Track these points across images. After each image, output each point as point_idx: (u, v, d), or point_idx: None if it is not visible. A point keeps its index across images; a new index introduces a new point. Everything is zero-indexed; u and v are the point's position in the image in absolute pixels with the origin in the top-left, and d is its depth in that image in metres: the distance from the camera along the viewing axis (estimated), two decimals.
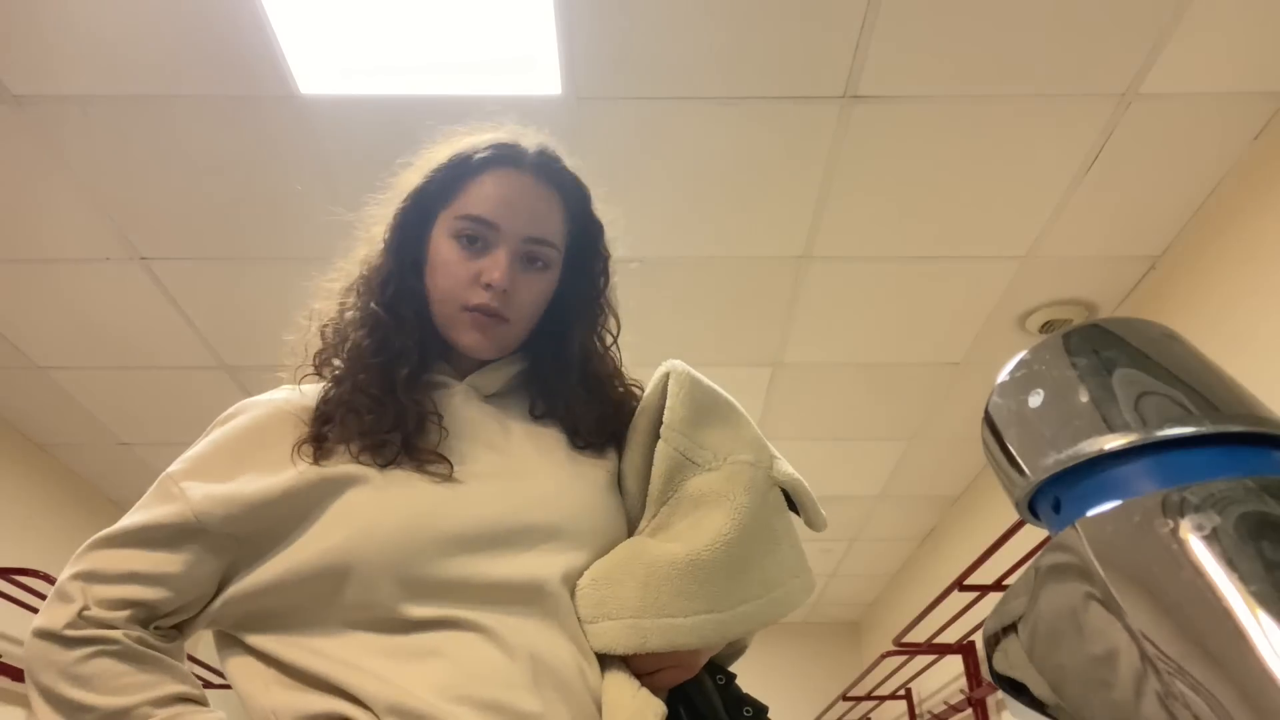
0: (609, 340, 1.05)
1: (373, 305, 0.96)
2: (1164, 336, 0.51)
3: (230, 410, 0.97)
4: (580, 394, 1.01)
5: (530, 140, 1.00)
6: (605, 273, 1.04)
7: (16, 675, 3.27)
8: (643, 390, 1.04)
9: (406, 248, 0.98)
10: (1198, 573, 0.38)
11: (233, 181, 2.35)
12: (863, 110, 2.17)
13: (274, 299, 2.73)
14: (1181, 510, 0.41)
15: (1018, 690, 0.48)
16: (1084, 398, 0.48)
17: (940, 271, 2.70)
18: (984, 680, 3.56)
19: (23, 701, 3.44)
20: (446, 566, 0.84)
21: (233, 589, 0.86)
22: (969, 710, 3.68)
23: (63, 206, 2.41)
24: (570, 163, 1.01)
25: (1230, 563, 0.38)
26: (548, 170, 0.99)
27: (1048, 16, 1.94)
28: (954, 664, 3.83)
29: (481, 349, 0.96)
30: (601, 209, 1.04)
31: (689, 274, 2.71)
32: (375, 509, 0.86)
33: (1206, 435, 0.44)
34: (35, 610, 3.26)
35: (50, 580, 3.19)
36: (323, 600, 0.84)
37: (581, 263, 1.02)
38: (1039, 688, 0.46)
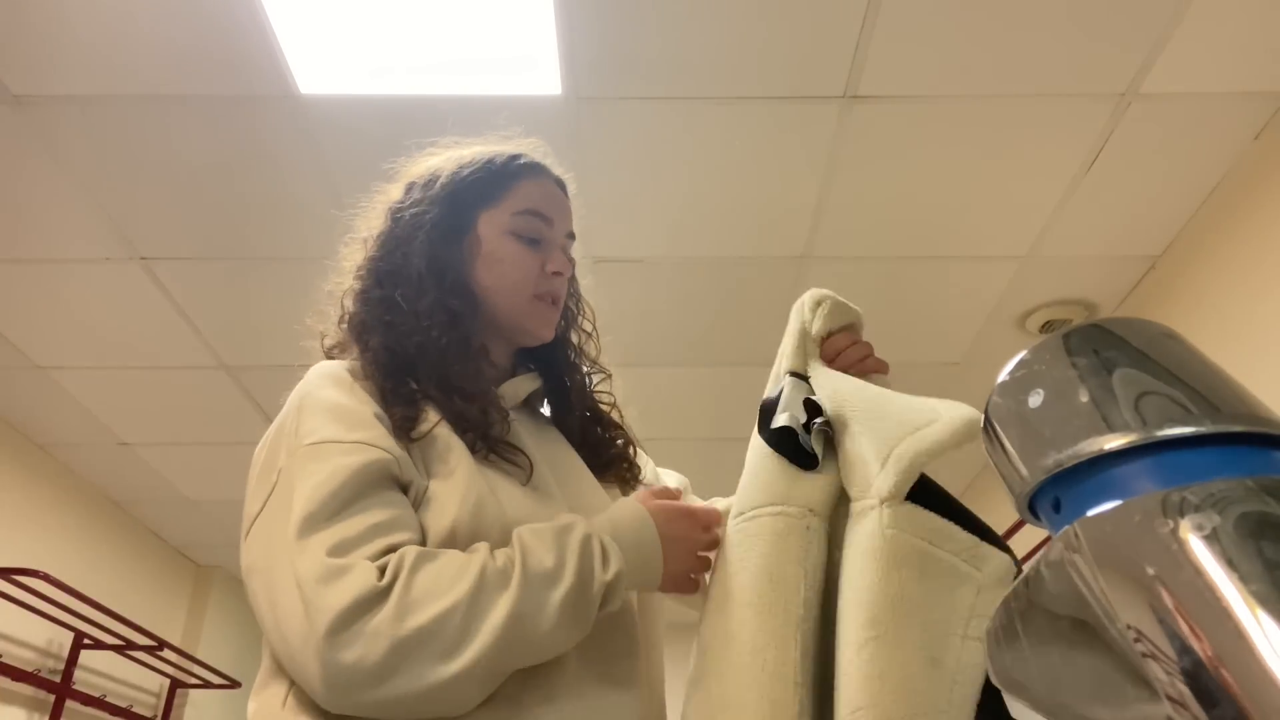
0: (589, 330, 1.15)
1: (428, 301, 0.98)
2: (1164, 336, 0.51)
3: (301, 395, 0.94)
4: (588, 423, 1.10)
5: (545, 158, 1.11)
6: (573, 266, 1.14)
7: (17, 675, 3.27)
8: (613, 406, 1.14)
9: (450, 238, 1.02)
10: (1198, 573, 0.38)
11: (233, 181, 2.35)
12: (863, 110, 2.17)
13: (274, 299, 2.73)
14: (1181, 510, 0.41)
15: (1018, 690, 0.48)
16: (1084, 398, 0.48)
17: (940, 271, 2.70)
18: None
19: (23, 701, 3.44)
20: None
21: None
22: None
23: (63, 206, 2.41)
24: (569, 166, 1.15)
25: (1230, 562, 0.38)
26: (561, 183, 1.12)
27: (1048, 16, 1.94)
28: None
29: (545, 334, 1.05)
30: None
31: (689, 274, 2.71)
32: (477, 487, 0.87)
33: (1206, 435, 0.44)
34: (35, 610, 3.25)
35: (50, 580, 3.20)
36: None
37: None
38: (1039, 688, 0.46)
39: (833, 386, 0.95)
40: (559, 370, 1.11)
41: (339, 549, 0.76)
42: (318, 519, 0.78)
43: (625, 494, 1.06)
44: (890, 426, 0.87)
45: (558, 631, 0.78)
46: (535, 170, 1.08)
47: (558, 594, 0.78)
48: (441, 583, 0.75)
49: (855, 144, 2.26)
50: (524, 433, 0.98)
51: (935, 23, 1.96)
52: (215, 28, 1.95)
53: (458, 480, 0.86)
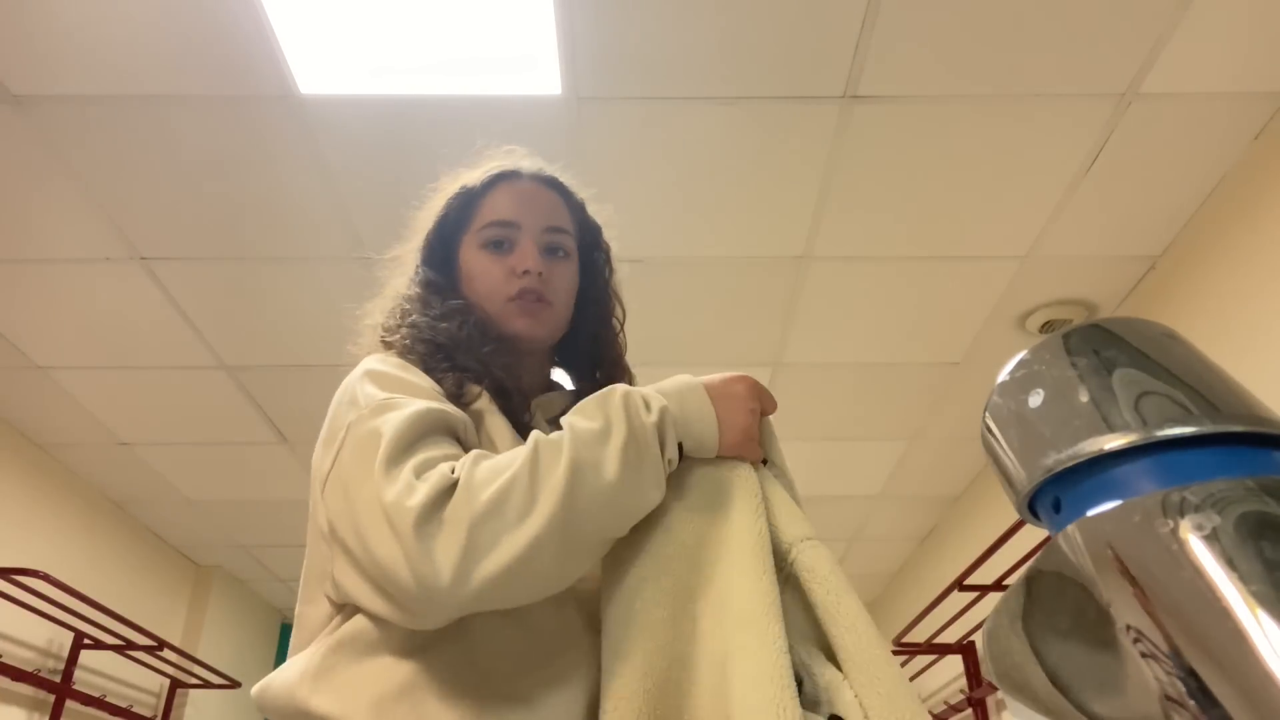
0: (617, 327, 1.15)
1: (440, 308, 1.04)
2: (1164, 336, 0.51)
3: (364, 369, 0.95)
4: None
5: (525, 161, 1.13)
6: (609, 264, 1.16)
7: (17, 675, 3.27)
8: None
9: (438, 271, 1.08)
10: (1198, 573, 0.38)
11: (233, 181, 2.35)
12: (863, 110, 2.17)
13: (274, 299, 2.73)
14: (1181, 510, 0.41)
15: (1018, 690, 0.48)
16: (1084, 397, 0.48)
17: (940, 271, 2.70)
18: (984, 680, 3.56)
19: (23, 701, 3.44)
20: None
21: None
22: (969, 710, 3.68)
23: (63, 206, 2.41)
24: (564, 176, 1.15)
25: (1230, 563, 0.38)
26: (544, 178, 1.12)
27: (1048, 16, 1.94)
28: (954, 664, 3.83)
29: (533, 332, 1.04)
30: (595, 210, 1.16)
31: (689, 274, 2.71)
32: None
33: (1206, 435, 0.44)
34: (36, 610, 3.24)
35: (50, 580, 3.20)
36: None
37: (588, 260, 1.14)
38: (1039, 688, 0.46)
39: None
40: (582, 380, 1.12)
41: (421, 467, 0.79)
42: (397, 451, 0.80)
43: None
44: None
45: (623, 481, 0.80)
46: (504, 178, 1.10)
47: (612, 444, 0.81)
48: (500, 463, 0.79)
49: (855, 144, 2.26)
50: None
51: (935, 23, 1.96)
52: (215, 28, 1.95)
53: (501, 449, 0.91)
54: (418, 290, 1.06)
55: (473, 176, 1.12)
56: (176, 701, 4.33)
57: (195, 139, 2.22)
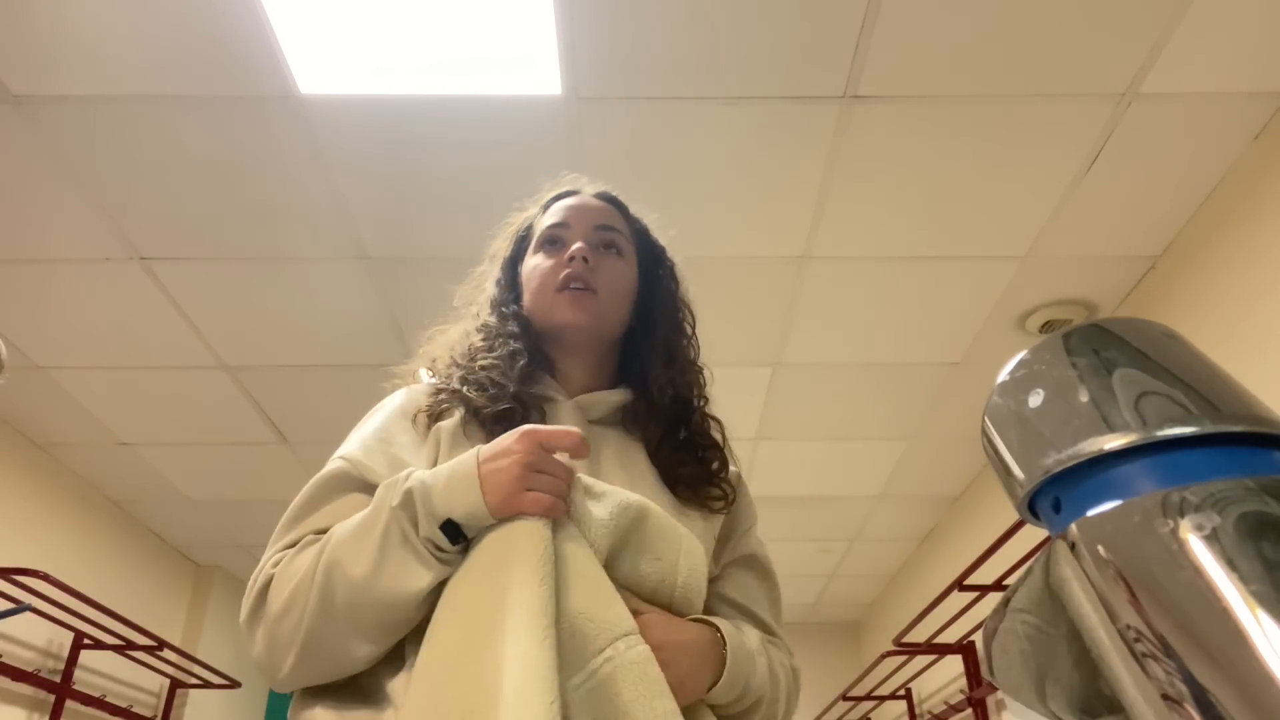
0: (689, 332, 1.17)
1: (486, 321, 1.09)
2: (1164, 336, 0.51)
3: (376, 407, 1.05)
4: (673, 440, 1.08)
5: (586, 184, 1.20)
6: (675, 278, 1.21)
7: (17, 675, 3.27)
8: (719, 423, 1.15)
9: (507, 288, 1.14)
10: (1198, 573, 0.38)
11: (233, 181, 2.35)
12: (863, 110, 2.17)
13: (274, 299, 2.73)
14: (1181, 510, 0.41)
15: (1018, 690, 0.48)
16: (1084, 397, 0.48)
17: (940, 271, 2.70)
18: (984, 680, 3.56)
19: (23, 701, 3.44)
20: None
21: None
22: (969, 710, 3.68)
23: (63, 206, 2.41)
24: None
25: (1230, 563, 0.38)
26: (603, 194, 1.19)
27: (1048, 16, 1.94)
28: (954, 664, 3.83)
29: (579, 321, 1.05)
30: (658, 234, 1.24)
31: (689, 274, 2.70)
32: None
33: (1206, 435, 0.44)
34: (36, 610, 3.24)
35: (50, 580, 3.20)
36: None
37: (653, 275, 1.18)
38: (1039, 687, 0.46)
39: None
40: (638, 383, 1.10)
41: (284, 547, 0.89)
42: (283, 528, 0.91)
43: (704, 520, 1.03)
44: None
45: (373, 572, 0.81)
46: (559, 197, 1.17)
47: (367, 537, 0.82)
48: (300, 559, 0.86)
49: (855, 144, 2.26)
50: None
51: (935, 23, 1.96)
52: (215, 28, 1.95)
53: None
54: (484, 322, 1.10)
55: (536, 205, 1.20)
56: (176, 701, 4.33)
57: (195, 139, 2.22)
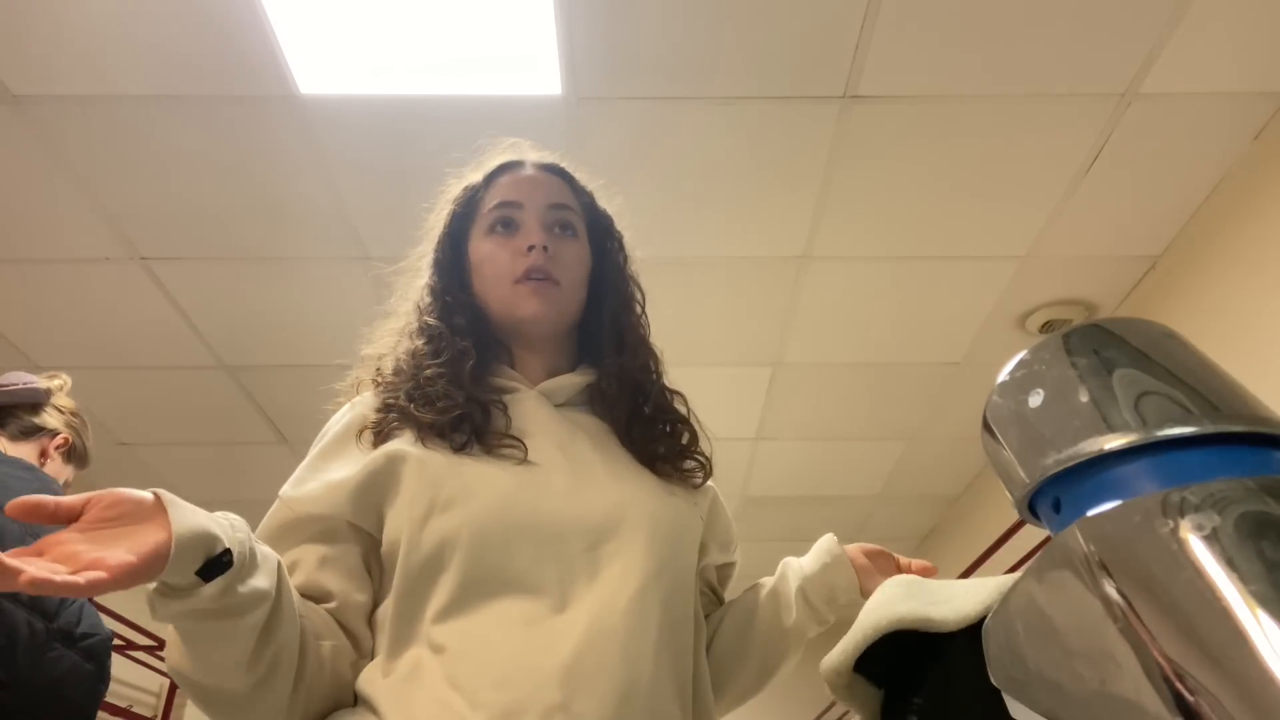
0: (639, 311, 1.12)
1: (427, 320, 1.02)
2: (1164, 336, 0.51)
3: (335, 419, 1.00)
4: (642, 415, 1.04)
5: (531, 154, 1.12)
6: (623, 250, 1.13)
7: None
8: (682, 397, 1.10)
9: (450, 270, 1.06)
10: (1198, 573, 0.38)
11: (233, 181, 2.35)
12: (863, 110, 2.17)
13: (274, 299, 2.73)
14: (1181, 510, 0.40)
15: (1018, 690, 0.48)
16: (1084, 398, 0.48)
17: (940, 271, 2.70)
18: None
19: None
20: (515, 555, 0.84)
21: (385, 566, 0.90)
22: None
23: (63, 206, 2.41)
24: (570, 166, 1.13)
25: (1230, 563, 0.38)
26: (548, 165, 1.11)
27: (1047, 17, 1.94)
28: None
29: (542, 314, 1.00)
30: (605, 200, 1.14)
31: (689, 274, 2.71)
32: (453, 487, 0.87)
33: (1206, 435, 0.44)
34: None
35: None
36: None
37: (601, 247, 1.11)
38: (1039, 687, 0.46)
39: None
40: (598, 362, 1.06)
41: None
42: None
43: (688, 496, 1.01)
44: None
45: (186, 651, 0.77)
46: (503, 170, 1.09)
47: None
48: None
49: (855, 144, 2.26)
50: (541, 423, 0.96)
51: (935, 23, 1.95)
52: (215, 28, 1.95)
53: (404, 496, 0.88)
54: (425, 322, 1.03)
55: (477, 175, 1.11)
56: (176, 701, 4.32)
57: (195, 139, 2.22)
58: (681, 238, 2.58)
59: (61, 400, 1.95)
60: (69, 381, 1.98)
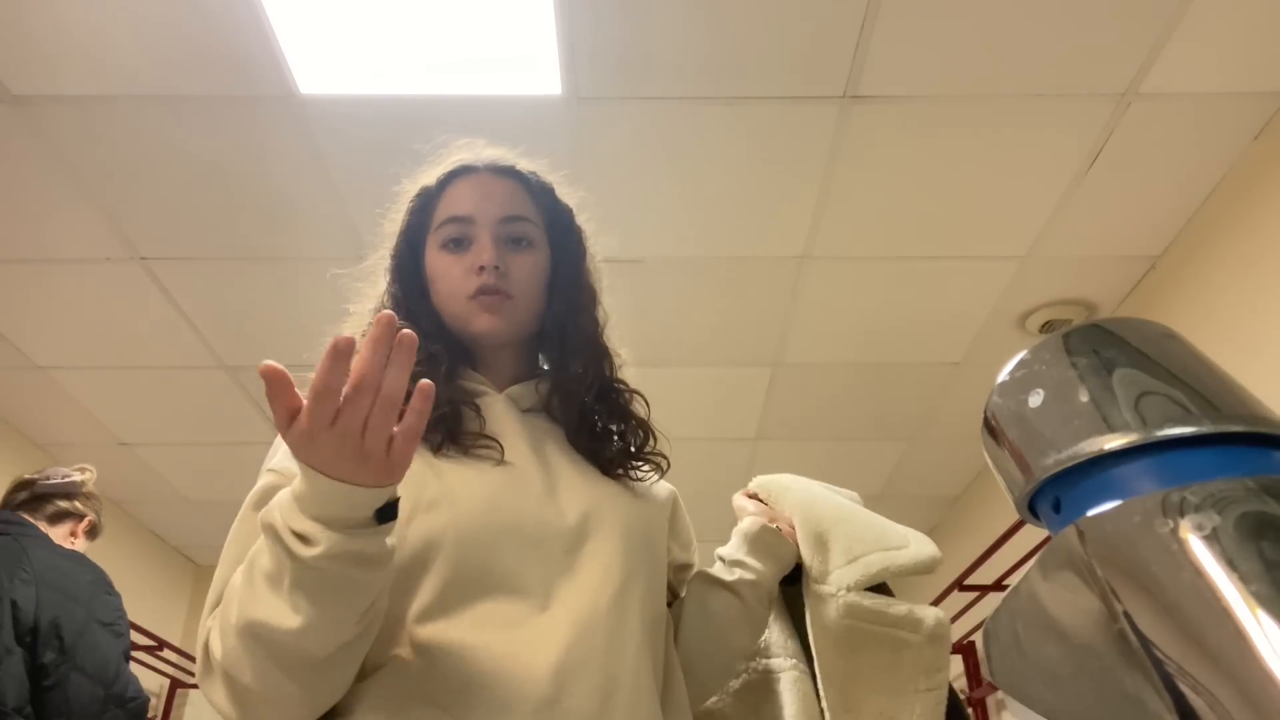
0: (588, 312, 1.08)
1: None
2: (1164, 336, 0.51)
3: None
4: (589, 420, 1.03)
5: (486, 152, 1.09)
6: (582, 245, 1.10)
7: None
8: (641, 397, 1.08)
9: (411, 276, 1.05)
10: (1198, 573, 0.38)
11: (233, 182, 2.35)
12: (863, 110, 2.17)
13: (274, 299, 2.73)
14: (1181, 510, 0.40)
15: (1018, 690, 0.48)
16: (1084, 398, 0.48)
17: (940, 271, 2.70)
18: (984, 680, 3.56)
19: None
20: (500, 557, 0.84)
21: None
22: (969, 710, 3.68)
23: (63, 206, 2.41)
24: (525, 164, 1.09)
25: (1230, 563, 0.38)
26: (501, 168, 1.08)
27: (1048, 16, 1.94)
28: (954, 664, 3.83)
29: (496, 329, 1.00)
30: (567, 194, 1.11)
31: (689, 274, 2.71)
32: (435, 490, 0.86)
33: (1206, 435, 0.44)
34: None
35: None
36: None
37: (560, 246, 1.08)
38: (1039, 687, 0.46)
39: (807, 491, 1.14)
40: (562, 370, 1.05)
41: (213, 605, 0.82)
42: (217, 580, 0.84)
43: (647, 494, 1.02)
44: (865, 537, 1.06)
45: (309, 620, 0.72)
46: (459, 173, 1.07)
47: (249, 576, 0.75)
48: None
49: (855, 144, 2.26)
50: (514, 426, 0.97)
51: (935, 23, 1.96)
52: (215, 28, 1.95)
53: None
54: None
55: (430, 175, 1.08)
56: (176, 701, 4.32)
57: (195, 139, 2.22)
58: (681, 237, 2.58)
59: (89, 489, 2.38)
60: (95, 474, 2.40)
